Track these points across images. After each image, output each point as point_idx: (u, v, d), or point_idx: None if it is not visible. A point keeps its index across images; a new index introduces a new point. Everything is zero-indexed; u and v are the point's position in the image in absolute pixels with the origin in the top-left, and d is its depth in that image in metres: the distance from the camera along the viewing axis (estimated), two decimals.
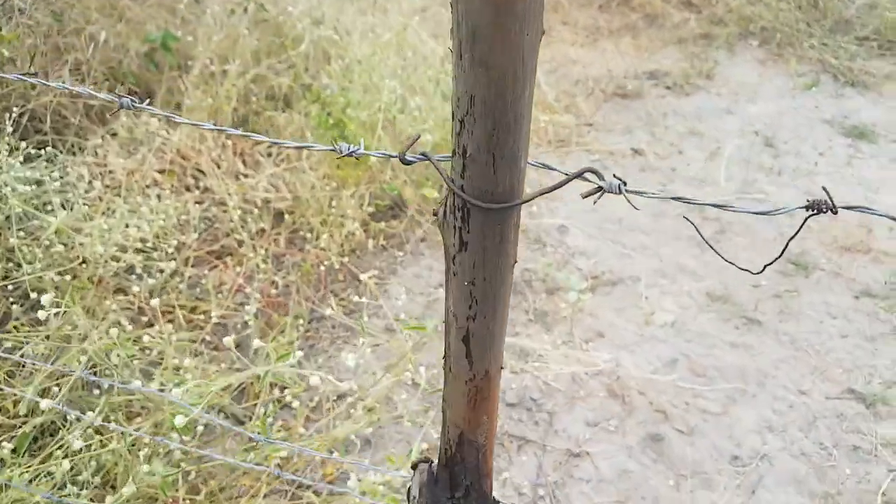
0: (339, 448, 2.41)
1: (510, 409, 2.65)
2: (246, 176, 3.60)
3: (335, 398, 2.62)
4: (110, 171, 3.48)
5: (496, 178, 0.82)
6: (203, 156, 3.68)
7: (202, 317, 2.86)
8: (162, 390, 2.05)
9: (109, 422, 2.01)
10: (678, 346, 2.89)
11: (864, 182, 3.72)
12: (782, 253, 0.93)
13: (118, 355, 2.16)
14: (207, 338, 2.84)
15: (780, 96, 4.58)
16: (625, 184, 0.83)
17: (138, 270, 2.85)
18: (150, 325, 2.83)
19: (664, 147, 4.13)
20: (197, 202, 3.45)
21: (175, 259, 3.08)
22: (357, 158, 0.98)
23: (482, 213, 0.86)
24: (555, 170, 0.98)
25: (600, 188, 0.83)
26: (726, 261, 0.92)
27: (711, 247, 0.83)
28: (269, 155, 3.79)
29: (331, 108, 3.27)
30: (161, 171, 3.57)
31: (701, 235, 0.81)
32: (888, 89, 4.56)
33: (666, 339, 2.92)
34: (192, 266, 3.15)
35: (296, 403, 2.28)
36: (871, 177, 3.77)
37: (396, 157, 0.94)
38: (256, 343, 2.29)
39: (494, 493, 1.22)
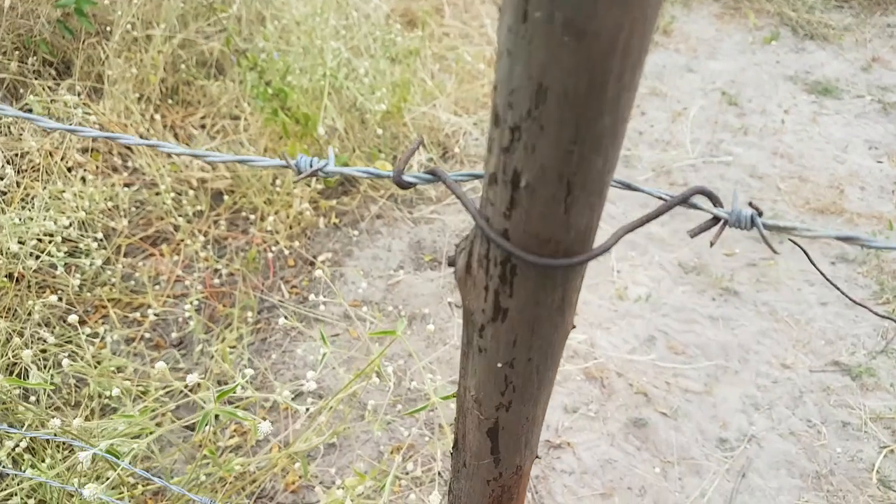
0: (300, 455, 2.18)
1: None
2: (178, 154, 3.27)
3: (293, 396, 2.38)
4: (26, 153, 3.11)
5: (568, 221, 0.53)
6: (130, 131, 3.34)
7: (138, 314, 2.57)
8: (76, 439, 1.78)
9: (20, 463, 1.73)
10: (655, 321, 2.73)
11: (831, 140, 3.61)
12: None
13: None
14: (147, 335, 2.56)
15: (740, 52, 4.43)
16: (760, 213, 0.57)
17: (64, 264, 2.54)
18: (83, 322, 2.53)
19: None
20: (126, 184, 3.12)
21: (105, 248, 2.76)
22: (320, 174, 0.69)
23: (538, 271, 0.58)
24: (642, 190, 0.67)
25: (716, 219, 0.58)
26: (857, 303, 0.69)
27: (838, 288, 0.61)
28: (203, 127, 3.47)
29: (269, 76, 2.96)
30: (84, 151, 3.22)
31: (819, 269, 0.59)
32: (848, 41, 4.45)
33: (641, 314, 2.76)
34: (125, 255, 2.84)
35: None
36: (838, 134, 3.66)
37: (388, 176, 0.67)
38: (203, 340, 2.03)
39: None
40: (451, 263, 0.66)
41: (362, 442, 2.28)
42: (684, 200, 0.57)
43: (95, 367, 2.09)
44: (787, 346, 2.61)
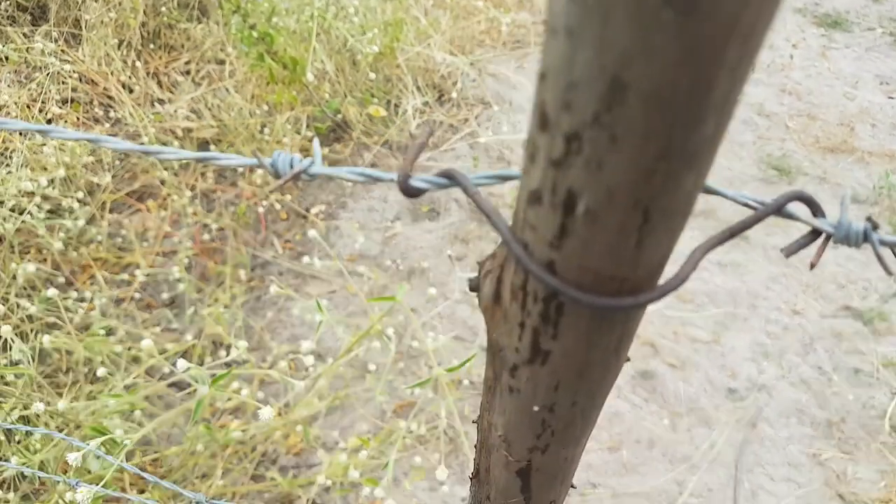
0: (301, 419, 2.12)
1: None
2: (162, 102, 3.13)
3: (292, 356, 2.31)
4: (2, 107, 2.96)
5: (639, 255, 0.40)
6: (111, 80, 3.18)
7: (127, 274, 2.47)
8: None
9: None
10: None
11: (841, 76, 3.48)
12: None
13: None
14: (137, 295, 2.47)
15: None
16: (876, 227, 0.45)
17: (46, 224, 2.43)
18: (69, 284, 2.44)
19: None
20: (109, 136, 2.98)
21: (89, 205, 2.65)
22: (304, 177, 0.57)
23: (594, 311, 0.45)
24: (725, 195, 0.51)
25: (818, 232, 0.46)
26: None
27: None
28: (188, 73, 3.31)
29: (254, 18, 2.80)
30: (64, 102, 3.07)
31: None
32: None
33: None
34: (110, 212, 2.73)
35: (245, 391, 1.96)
36: (848, 69, 3.53)
37: (393, 180, 0.53)
38: (195, 299, 1.94)
39: None
40: (474, 288, 0.52)
41: (364, 402, 2.23)
42: (779, 209, 0.46)
43: (81, 339, 2.00)
44: (798, 292, 2.55)
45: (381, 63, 3.07)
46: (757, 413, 2.24)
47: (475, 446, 0.69)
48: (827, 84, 3.41)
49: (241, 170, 2.85)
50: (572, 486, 0.69)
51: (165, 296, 2.45)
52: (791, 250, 0.47)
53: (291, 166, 0.57)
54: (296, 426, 2.05)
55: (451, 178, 0.51)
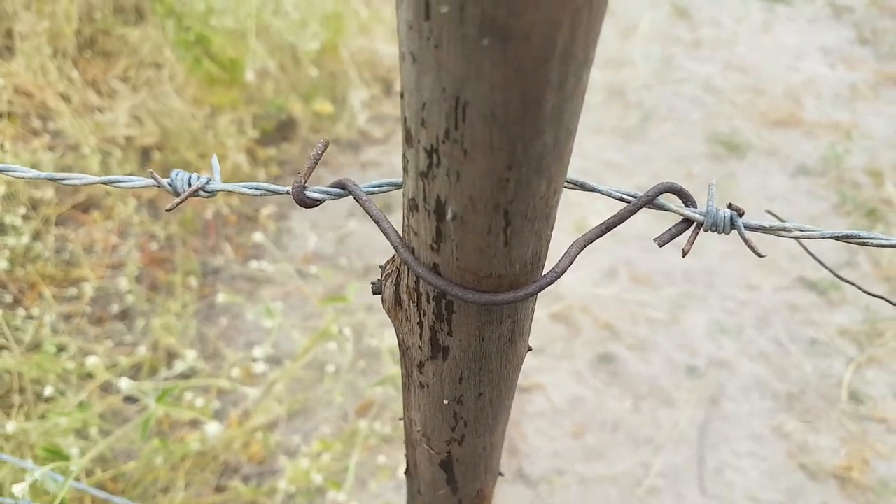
0: (260, 426, 2.08)
1: None
2: (102, 110, 3.04)
3: (250, 360, 2.27)
4: None
5: (510, 253, 0.43)
6: (48, 91, 3.08)
7: (76, 289, 2.40)
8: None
9: None
10: (616, 252, 2.65)
11: (784, 49, 3.51)
12: None
13: None
14: (87, 309, 2.40)
15: None
16: (741, 214, 0.48)
17: None
18: (17, 302, 2.36)
19: None
20: (48, 148, 2.89)
21: (33, 220, 2.57)
22: (202, 194, 0.55)
23: (480, 308, 0.48)
24: (598, 190, 0.54)
25: (688, 221, 0.48)
26: (846, 281, 0.57)
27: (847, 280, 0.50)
28: (127, 80, 3.21)
29: (189, 21, 2.73)
30: None
31: (830, 270, 0.48)
32: None
33: (602, 246, 2.67)
34: (56, 225, 2.65)
35: (200, 401, 1.91)
36: (791, 42, 3.56)
37: (286, 192, 0.53)
38: (147, 311, 1.89)
39: None
40: (377, 292, 0.54)
41: (325, 404, 2.19)
42: (650, 201, 0.47)
43: (31, 359, 1.93)
44: (752, 267, 2.57)
45: (325, 58, 3.02)
46: (718, 389, 2.25)
47: (405, 443, 0.71)
48: (771, 58, 3.44)
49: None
50: (500, 474, 0.69)
51: (116, 308, 2.39)
52: (664, 239, 0.48)
53: (189, 184, 0.56)
54: (255, 433, 2.01)
55: (343, 188, 0.51)
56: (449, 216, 0.41)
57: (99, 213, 2.67)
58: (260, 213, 2.69)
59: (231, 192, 0.54)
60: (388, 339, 2.12)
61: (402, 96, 0.39)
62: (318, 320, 2.36)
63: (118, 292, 2.43)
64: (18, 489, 0.94)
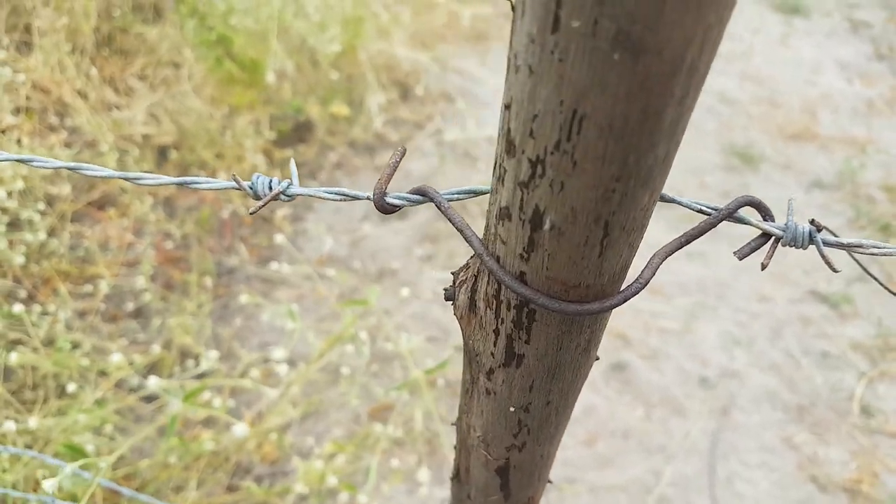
0: (274, 428, 2.09)
1: None
2: (119, 108, 3.05)
3: (263, 361, 2.28)
4: None
5: (601, 265, 0.44)
6: (66, 87, 3.10)
7: (91, 286, 2.41)
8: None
9: None
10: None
11: (801, 62, 3.52)
12: None
13: None
14: (102, 307, 2.42)
15: None
16: (819, 229, 0.49)
17: (7, 237, 2.36)
18: (31, 298, 2.38)
19: None
20: (65, 145, 2.91)
21: (49, 216, 2.58)
22: (282, 198, 0.57)
23: (562, 317, 0.49)
24: (679, 202, 0.55)
25: (767, 235, 0.49)
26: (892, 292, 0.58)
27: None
28: (145, 78, 3.23)
29: (211, 20, 2.74)
30: (17, 112, 2.99)
31: (882, 285, 0.49)
32: None
33: None
34: (71, 222, 2.66)
35: (217, 401, 1.92)
36: (808, 55, 3.57)
37: (367, 198, 0.54)
38: (161, 310, 1.90)
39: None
40: (449, 298, 0.55)
41: (338, 406, 2.20)
42: (731, 214, 0.49)
43: (48, 355, 1.95)
44: (765, 279, 2.57)
45: (343, 61, 3.04)
46: (729, 400, 2.26)
47: (455, 447, 0.72)
48: (788, 71, 3.45)
49: (202, 174, 2.80)
50: (549, 482, 0.70)
51: (131, 307, 2.40)
52: (744, 253, 0.49)
53: (270, 188, 0.57)
54: (269, 434, 2.02)
55: (424, 195, 0.53)
56: (546, 226, 0.42)
57: (115, 211, 2.69)
58: (275, 215, 2.71)
59: (310, 195, 0.56)
60: (403, 343, 2.14)
61: (506, 108, 0.40)
62: (333, 322, 2.37)
63: (133, 290, 2.45)
64: (49, 485, 0.95)
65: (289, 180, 0.56)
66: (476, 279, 0.52)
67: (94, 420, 1.69)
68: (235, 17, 2.86)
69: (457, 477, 0.71)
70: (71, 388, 1.71)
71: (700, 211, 0.51)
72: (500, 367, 0.54)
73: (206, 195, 2.73)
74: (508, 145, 0.41)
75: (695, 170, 2.93)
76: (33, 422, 1.51)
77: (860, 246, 0.49)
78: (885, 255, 0.49)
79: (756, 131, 3.11)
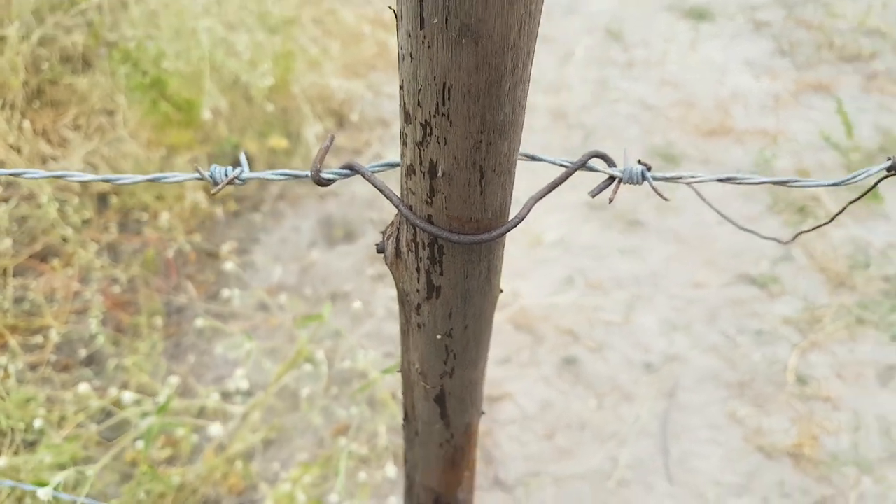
0: (239, 455, 2.11)
1: None
2: (55, 159, 3.05)
3: (221, 393, 2.30)
4: None
5: (484, 201, 0.57)
6: None
7: (40, 337, 2.41)
8: None
9: None
10: (570, 262, 2.78)
11: (711, 64, 3.74)
12: (831, 220, 0.77)
13: None
14: (52, 357, 2.41)
15: None
16: (648, 168, 0.62)
17: None
18: None
19: None
20: (2, 200, 2.89)
21: None
22: (237, 182, 0.68)
23: (463, 249, 0.62)
24: (543, 159, 0.70)
25: (612, 178, 0.62)
26: (745, 229, 0.71)
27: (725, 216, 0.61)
28: (79, 128, 3.24)
29: (143, 65, 2.79)
30: None
31: (714, 207, 0.60)
32: None
33: (557, 258, 2.80)
34: (14, 276, 2.64)
35: (181, 431, 1.94)
36: (717, 57, 3.79)
37: (306, 176, 0.66)
38: (114, 354, 1.92)
39: None
40: (381, 251, 0.68)
41: (301, 432, 2.24)
42: (583, 165, 0.62)
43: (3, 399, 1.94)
44: (697, 267, 2.72)
45: (277, 95, 3.11)
46: (674, 383, 2.37)
47: (402, 392, 0.82)
48: (700, 73, 3.66)
49: (144, 217, 2.82)
50: (482, 413, 0.82)
51: (83, 353, 2.40)
52: (595, 192, 0.61)
53: (226, 175, 0.66)
54: (235, 463, 2.04)
55: (352, 168, 0.64)
56: (440, 174, 0.54)
57: (58, 261, 2.68)
58: (221, 250, 2.74)
59: (260, 178, 0.64)
60: (360, 359, 2.19)
61: (401, 88, 0.52)
62: (289, 348, 2.41)
63: (83, 338, 2.45)
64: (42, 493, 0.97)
65: (241, 168, 0.64)
66: (398, 230, 0.65)
67: (62, 457, 1.70)
68: (168, 61, 2.90)
69: (406, 418, 0.82)
70: (37, 423, 1.71)
71: (561, 165, 0.65)
72: (424, 300, 0.66)
73: (150, 237, 2.75)
74: (406, 116, 0.54)
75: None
76: (2, 460, 1.52)
77: (681, 177, 0.62)
78: (698, 182, 0.61)
79: (675, 132, 3.30)
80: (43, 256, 2.74)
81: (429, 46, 0.47)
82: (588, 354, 2.45)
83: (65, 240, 2.72)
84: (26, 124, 3.07)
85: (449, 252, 0.61)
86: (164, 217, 2.75)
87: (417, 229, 0.61)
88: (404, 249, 0.64)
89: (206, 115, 2.77)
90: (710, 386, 2.36)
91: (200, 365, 2.40)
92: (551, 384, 2.38)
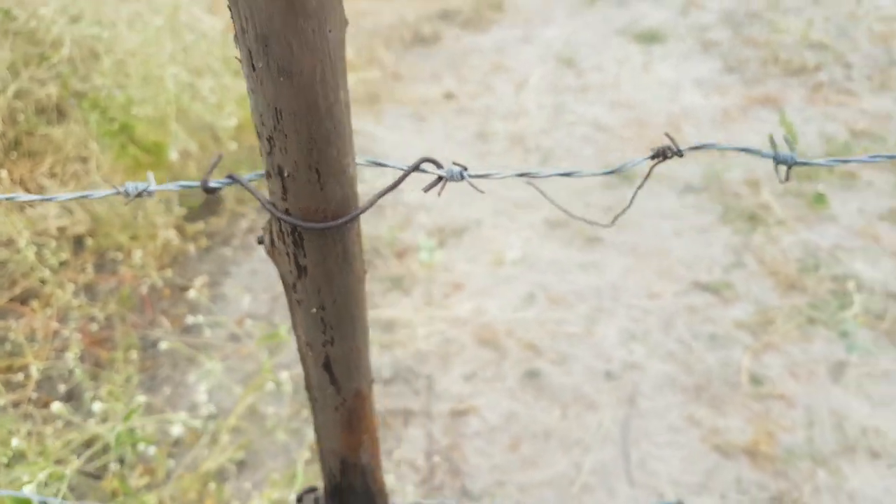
0: (213, 477, 2.19)
1: (388, 385, 2.53)
2: (33, 206, 3.15)
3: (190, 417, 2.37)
4: None
5: (325, 195, 0.71)
6: None
7: (21, 376, 2.49)
8: None
9: None
10: (532, 279, 2.89)
11: (663, 84, 3.89)
12: (630, 204, 0.90)
13: None
14: (34, 395, 2.48)
15: (569, 16, 4.69)
16: (465, 169, 0.76)
17: None
18: None
19: (474, 87, 4.09)
20: None
21: None
22: (145, 194, 0.81)
23: (317, 234, 0.75)
24: (387, 165, 0.85)
25: (440, 178, 0.75)
26: (583, 220, 0.83)
27: (565, 211, 0.72)
28: (55, 175, 3.35)
29: (113, 112, 2.91)
30: None
31: (552, 201, 0.71)
32: None
33: (520, 275, 2.91)
34: None
35: (153, 449, 2.02)
36: (668, 77, 3.95)
37: (197, 186, 0.79)
38: (95, 401, 2.00)
39: (388, 476, 1.12)
40: (260, 242, 0.81)
41: (272, 455, 2.31)
42: (416, 168, 0.75)
43: None
44: (652, 278, 2.83)
45: (242, 134, 3.23)
46: (634, 389, 2.47)
47: (301, 364, 0.94)
48: (652, 93, 3.81)
49: (119, 256, 2.91)
50: (372, 381, 0.94)
51: (62, 389, 2.48)
52: (427, 188, 0.73)
53: (136, 188, 0.78)
54: (207, 484, 2.12)
55: (232, 178, 0.77)
56: (286, 175, 0.69)
57: (38, 303, 2.77)
58: (193, 283, 2.83)
59: (165, 190, 0.75)
60: None
61: (252, 112, 0.67)
62: (259, 376, 2.50)
63: (62, 375, 2.53)
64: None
65: (148, 183, 0.76)
66: (271, 224, 0.79)
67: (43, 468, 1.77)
68: (136, 107, 3.03)
69: (307, 387, 0.95)
70: (14, 442, 1.78)
71: (401, 169, 0.77)
72: (297, 279, 0.79)
73: (125, 275, 2.84)
74: (258, 134, 0.68)
75: (579, 192, 3.21)
76: None
77: (488, 175, 0.73)
78: (500, 178, 0.75)
79: (629, 150, 3.43)
80: (23, 299, 2.83)
81: (261, 83, 0.62)
82: (551, 367, 2.55)
83: (43, 282, 2.81)
84: (4, 174, 3.17)
85: (308, 238, 0.75)
86: (138, 255, 2.85)
87: (282, 221, 0.75)
88: (276, 239, 0.79)
89: (174, 156, 2.89)
90: (668, 391, 2.45)
91: (176, 395, 2.48)
92: (516, 397, 2.47)
